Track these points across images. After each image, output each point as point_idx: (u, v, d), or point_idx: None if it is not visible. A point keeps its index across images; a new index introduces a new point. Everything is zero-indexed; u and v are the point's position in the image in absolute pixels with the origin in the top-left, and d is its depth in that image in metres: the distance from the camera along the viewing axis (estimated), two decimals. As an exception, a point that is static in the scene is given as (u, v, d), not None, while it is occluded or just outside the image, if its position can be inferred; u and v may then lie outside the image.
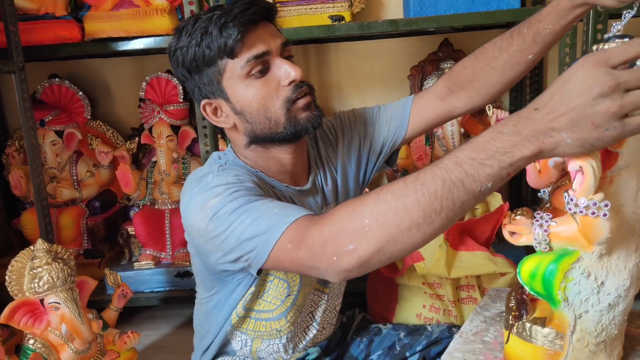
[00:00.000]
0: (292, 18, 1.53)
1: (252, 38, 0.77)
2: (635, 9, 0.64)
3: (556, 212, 0.62)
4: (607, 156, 0.58)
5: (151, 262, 1.70)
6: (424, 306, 1.37)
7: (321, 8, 1.53)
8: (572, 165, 0.55)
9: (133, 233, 1.73)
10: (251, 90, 0.79)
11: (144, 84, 1.70)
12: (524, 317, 0.66)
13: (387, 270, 1.40)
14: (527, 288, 0.63)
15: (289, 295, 0.89)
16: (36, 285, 1.11)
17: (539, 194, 0.69)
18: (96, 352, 1.20)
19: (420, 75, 1.70)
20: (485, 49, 0.89)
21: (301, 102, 0.81)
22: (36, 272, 1.11)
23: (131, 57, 1.90)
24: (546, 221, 0.61)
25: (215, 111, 0.84)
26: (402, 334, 1.06)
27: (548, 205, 0.67)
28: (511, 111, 1.83)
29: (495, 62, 0.87)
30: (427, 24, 1.42)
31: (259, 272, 0.76)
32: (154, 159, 1.77)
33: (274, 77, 0.80)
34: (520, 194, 1.86)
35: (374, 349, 1.05)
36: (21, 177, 1.75)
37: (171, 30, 1.46)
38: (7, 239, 1.90)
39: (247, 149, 0.86)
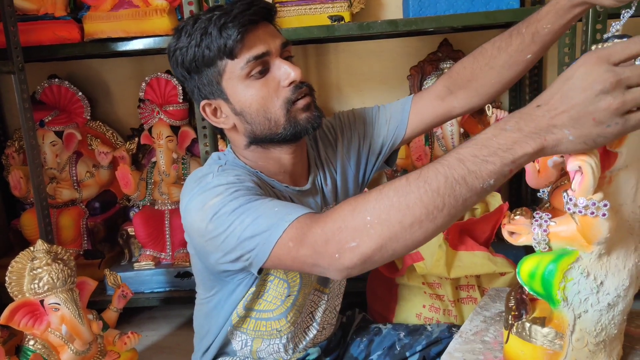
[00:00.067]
0: (292, 18, 1.53)
1: (252, 39, 0.77)
2: (634, 8, 0.64)
3: (555, 212, 0.63)
4: (606, 156, 0.58)
5: (151, 262, 1.70)
6: (424, 306, 1.37)
7: (320, 8, 1.53)
8: (571, 165, 0.55)
9: (133, 233, 1.73)
10: (251, 91, 0.79)
11: (144, 84, 1.70)
12: (524, 317, 0.66)
13: (387, 270, 1.40)
14: (526, 288, 0.63)
15: (289, 296, 0.89)
16: (36, 286, 1.11)
17: (538, 194, 0.69)
18: (96, 353, 1.20)
19: (419, 75, 1.70)
20: (484, 49, 0.89)
21: (301, 103, 0.81)
22: (36, 272, 1.11)
23: (131, 57, 1.90)
24: (545, 221, 0.61)
25: (214, 112, 0.84)
26: (402, 334, 1.07)
27: (547, 205, 0.67)
28: (510, 111, 1.83)
29: (494, 61, 0.87)
30: (427, 24, 1.42)
31: (260, 271, 0.76)
32: (153, 160, 1.77)
33: (274, 78, 0.80)
34: (520, 193, 1.87)
35: (374, 349, 1.05)
36: (21, 177, 1.75)
37: (170, 31, 1.46)
38: (6, 240, 1.90)
39: (247, 150, 0.86)
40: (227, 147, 0.92)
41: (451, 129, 1.61)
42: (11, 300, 1.12)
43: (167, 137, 1.69)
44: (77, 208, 1.81)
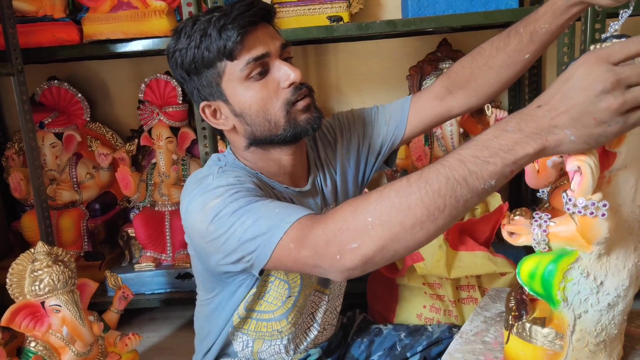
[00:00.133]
0: (291, 19, 1.53)
1: (252, 40, 0.77)
2: (632, 8, 0.64)
3: (555, 212, 0.63)
4: (605, 156, 0.58)
5: (152, 263, 1.70)
6: (425, 306, 1.37)
7: (319, 9, 1.53)
8: (570, 165, 0.55)
9: (133, 235, 1.73)
10: (250, 93, 0.79)
11: (143, 85, 1.70)
12: (524, 317, 0.66)
13: (387, 271, 1.41)
14: (526, 288, 0.63)
15: (289, 296, 0.89)
16: (37, 287, 1.11)
17: (538, 194, 0.69)
18: (97, 354, 1.20)
19: (419, 75, 1.70)
20: (482, 49, 0.89)
21: (301, 104, 0.81)
22: (37, 274, 1.11)
23: (130, 58, 1.90)
24: (545, 221, 0.61)
25: (214, 113, 0.84)
26: (402, 335, 1.07)
27: (547, 205, 0.67)
28: (510, 111, 1.83)
29: (492, 61, 0.87)
30: (426, 24, 1.42)
31: (261, 272, 0.76)
32: (153, 161, 1.77)
33: (274, 79, 0.80)
34: (520, 194, 1.87)
35: (375, 350, 1.05)
36: (21, 179, 1.75)
37: (169, 32, 1.45)
38: (7, 242, 1.90)
39: (247, 151, 0.86)
40: (226, 148, 0.92)
41: (451, 129, 1.61)
42: (12, 302, 1.12)
43: (166, 138, 1.70)
44: (77, 210, 1.82)
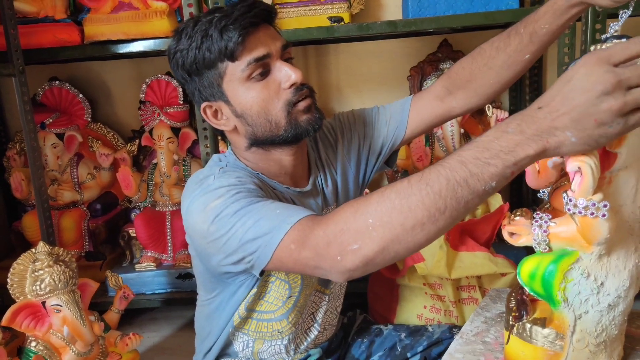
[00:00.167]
0: (291, 19, 1.54)
1: (253, 41, 0.77)
2: (632, 8, 0.64)
3: (555, 213, 0.63)
4: (605, 157, 0.58)
5: (152, 264, 1.70)
6: (425, 307, 1.37)
7: (320, 9, 1.53)
8: (571, 166, 0.55)
9: (134, 235, 1.73)
10: (252, 93, 0.79)
11: (144, 86, 1.71)
12: (524, 317, 0.66)
13: (388, 271, 1.41)
14: (527, 289, 0.63)
15: (290, 297, 0.89)
16: (38, 287, 1.11)
17: (538, 195, 0.69)
18: (98, 354, 1.20)
19: (419, 76, 1.70)
20: (482, 49, 0.90)
21: (302, 105, 0.81)
22: (38, 274, 1.12)
23: (131, 59, 1.91)
24: (545, 222, 0.61)
25: (215, 114, 0.85)
26: (403, 335, 1.07)
27: (547, 205, 0.67)
28: (511, 111, 1.83)
29: (492, 62, 0.88)
30: (426, 25, 1.42)
31: (262, 273, 0.76)
32: (154, 161, 1.77)
33: (275, 80, 0.80)
34: (520, 194, 1.87)
35: (375, 350, 1.05)
36: (22, 179, 1.76)
37: (170, 33, 1.46)
38: (8, 242, 1.90)
39: (248, 151, 0.86)
40: (227, 148, 0.92)
41: (451, 129, 1.61)
42: (13, 302, 1.12)
43: (167, 138, 1.70)
44: (78, 210, 1.82)
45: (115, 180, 1.83)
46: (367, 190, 1.17)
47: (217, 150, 1.48)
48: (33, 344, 1.13)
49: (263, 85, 0.79)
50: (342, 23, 1.50)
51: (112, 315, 1.33)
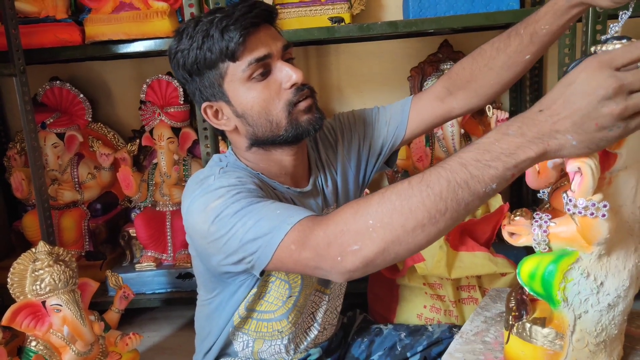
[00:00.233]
0: (292, 20, 1.54)
1: (254, 41, 0.78)
2: (632, 9, 0.64)
3: (555, 213, 0.63)
4: (605, 157, 0.58)
5: (152, 263, 1.71)
6: (425, 306, 1.38)
7: (321, 10, 1.53)
8: (571, 167, 0.55)
9: (134, 235, 1.73)
10: (252, 93, 0.80)
11: (145, 86, 1.71)
12: (524, 317, 0.66)
13: (388, 271, 1.41)
14: (526, 288, 0.63)
15: (290, 296, 0.89)
16: (38, 287, 1.11)
17: (538, 195, 0.69)
18: (98, 354, 1.20)
19: (420, 76, 1.70)
20: (482, 50, 0.90)
21: (302, 105, 0.81)
22: (38, 274, 1.12)
23: (132, 59, 1.91)
24: (545, 222, 0.61)
25: (216, 114, 0.85)
26: (403, 335, 1.07)
27: (547, 206, 0.67)
28: (511, 112, 1.83)
29: (493, 62, 0.88)
30: (427, 26, 1.42)
31: (262, 273, 0.76)
32: (154, 161, 1.77)
33: (276, 80, 0.80)
34: (520, 194, 1.87)
35: (375, 350, 1.05)
36: (22, 179, 1.76)
37: (171, 33, 1.46)
38: (8, 241, 1.90)
39: (248, 151, 0.86)
40: (228, 148, 0.92)
41: (452, 129, 1.61)
42: (13, 301, 1.12)
43: (168, 138, 1.70)
44: (78, 209, 1.82)
45: (115, 180, 1.83)
46: (367, 190, 1.17)
47: (217, 151, 1.48)
48: (33, 343, 1.13)
49: (264, 86, 0.79)
50: (343, 23, 1.50)
51: (112, 315, 1.33)
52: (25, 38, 1.47)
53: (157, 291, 1.70)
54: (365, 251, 0.61)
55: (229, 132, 0.87)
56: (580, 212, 0.56)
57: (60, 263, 1.14)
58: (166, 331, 1.70)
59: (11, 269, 1.13)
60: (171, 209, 1.75)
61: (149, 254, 1.71)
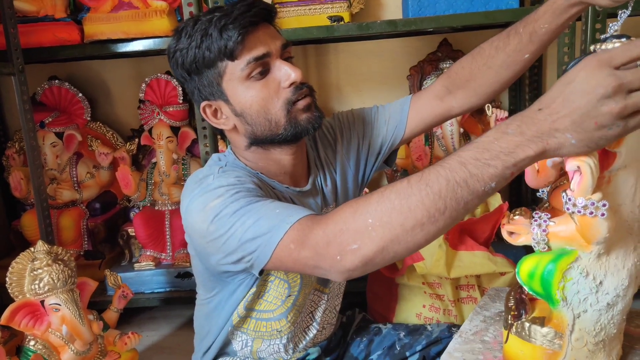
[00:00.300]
0: (291, 19, 1.54)
1: (253, 40, 0.77)
2: (631, 8, 0.64)
3: (555, 212, 0.63)
4: (605, 156, 0.58)
5: (151, 263, 1.71)
6: (424, 306, 1.38)
7: (320, 9, 1.53)
8: (570, 165, 0.55)
9: (133, 234, 1.73)
10: (251, 92, 0.79)
11: (144, 85, 1.71)
12: (523, 316, 0.66)
13: (387, 270, 1.41)
14: (525, 288, 0.63)
15: (289, 296, 0.89)
16: (37, 286, 1.11)
17: (537, 194, 0.69)
18: (97, 353, 1.20)
19: (419, 75, 1.70)
20: (482, 49, 0.90)
21: (301, 104, 0.81)
22: (37, 273, 1.12)
23: (131, 58, 1.91)
24: (544, 221, 0.61)
25: (215, 113, 0.85)
26: (402, 334, 1.07)
27: (547, 205, 0.67)
28: (510, 110, 1.83)
29: (492, 61, 0.88)
30: (426, 24, 1.42)
31: (261, 272, 0.76)
32: (153, 160, 1.77)
33: (274, 79, 0.80)
34: (520, 193, 1.87)
35: (374, 349, 1.05)
36: (21, 178, 1.76)
37: (170, 32, 1.46)
38: (7, 241, 1.90)
39: (247, 151, 0.86)
40: (227, 147, 0.92)
41: (451, 128, 1.61)
42: (12, 300, 1.12)
43: (167, 137, 1.70)
44: (77, 209, 1.82)
45: (114, 179, 1.83)
46: (366, 189, 1.17)
47: (216, 150, 1.48)
48: (32, 342, 1.13)
49: (263, 84, 0.79)
50: (342, 22, 1.50)
51: (111, 314, 1.33)
52: (24, 37, 1.47)
53: (156, 290, 1.70)
54: (364, 250, 0.61)
55: (228, 131, 0.86)
56: (579, 211, 0.56)
57: (59, 262, 1.14)
58: (165, 330, 1.70)
59: (10, 268, 1.13)
60: (170, 208, 1.75)
61: (148, 253, 1.71)
